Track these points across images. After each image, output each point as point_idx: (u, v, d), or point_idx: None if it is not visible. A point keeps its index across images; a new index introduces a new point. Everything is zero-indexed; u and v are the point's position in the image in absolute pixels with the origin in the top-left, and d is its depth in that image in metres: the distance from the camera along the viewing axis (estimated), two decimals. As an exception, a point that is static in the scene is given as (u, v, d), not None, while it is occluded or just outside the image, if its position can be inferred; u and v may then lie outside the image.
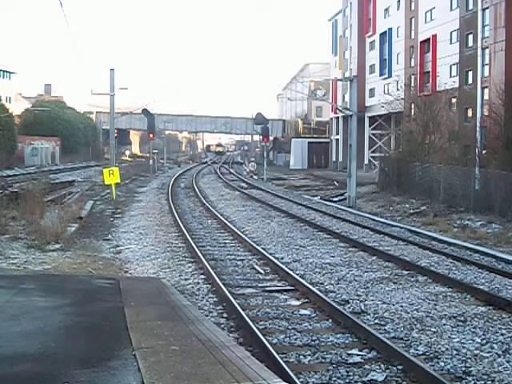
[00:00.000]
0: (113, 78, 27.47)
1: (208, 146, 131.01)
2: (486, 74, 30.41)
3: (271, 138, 75.75)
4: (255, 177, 48.58)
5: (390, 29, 52.26)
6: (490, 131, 25.34)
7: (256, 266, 12.53)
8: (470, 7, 36.73)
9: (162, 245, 15.20)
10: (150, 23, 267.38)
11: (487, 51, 30.36)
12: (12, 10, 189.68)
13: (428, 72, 44.31)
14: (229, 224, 18.55)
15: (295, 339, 7.86)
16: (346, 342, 7.81)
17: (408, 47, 48.59)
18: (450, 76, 40.30)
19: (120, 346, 6.02)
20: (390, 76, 50.74)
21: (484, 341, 7.81)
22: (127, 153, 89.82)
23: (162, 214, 21.78)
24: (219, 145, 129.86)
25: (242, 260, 13.28)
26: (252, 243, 15.02)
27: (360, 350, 7.44)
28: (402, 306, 9.48)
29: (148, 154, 63.94)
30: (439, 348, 7.53)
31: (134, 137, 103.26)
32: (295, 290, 10.52)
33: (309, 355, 7.27)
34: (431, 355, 7.30)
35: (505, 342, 7.73)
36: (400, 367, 6.83)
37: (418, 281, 11.33)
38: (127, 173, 42.61)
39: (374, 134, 57.28)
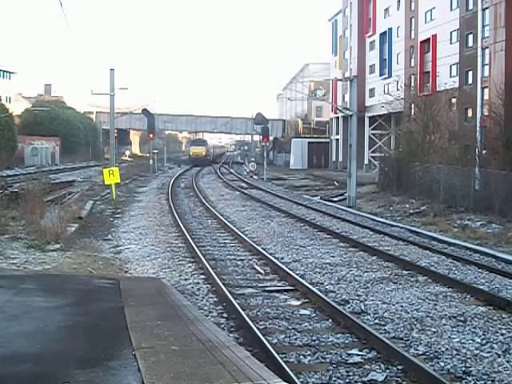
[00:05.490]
0: (113, 78, 27.45)
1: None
2: (486, 74, 30.37)
3: (271, 138, 75.68)
4: (255, 177, 48.53)
5: (390, 29, 52.25)
6: (490, 131, 25.34)
7: (256, 266, 12.53)
8: (470, 7, 36.74)
9: (162, 245, 15.19)
10: (150, 23, 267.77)
11: (487, 51, 30.33)
12: (12, 9, 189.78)
13: (428, 72, 44.29)
14: (229, 224, 18.55)
15: (295, 339, 7.86)
16: (346, 342, 7.82)
17: (408, 47, 48.57)
18: (450, 76, 40.29)
19: (120, 346, 6.03)
20: (389, 76, 50.73)
21: (484, 341, 7.81)
22: (127, 153, 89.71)
23: (162, 214, 21.77)
24: (199, 142, 76.92)
25: (242, 260, 13.28)
26: (252, 243, 15.01)
27: (360, 350, 7.44)
28: (401, 306, 9.49)
29: (148, 154, 63.90)
30: (439, 348, 7.53)
31: (134, 137, 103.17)
32: (295, 290, 10.53)
33: (309, 355, 7.27)
34: (431, 355, 7.30)
35: (505, 342, 7.73)
36: (400, 367, 6.83)
37: (418, 281, 11.33)
38: (127, 173, 42.58)
39: (374, 134, 57.26)
